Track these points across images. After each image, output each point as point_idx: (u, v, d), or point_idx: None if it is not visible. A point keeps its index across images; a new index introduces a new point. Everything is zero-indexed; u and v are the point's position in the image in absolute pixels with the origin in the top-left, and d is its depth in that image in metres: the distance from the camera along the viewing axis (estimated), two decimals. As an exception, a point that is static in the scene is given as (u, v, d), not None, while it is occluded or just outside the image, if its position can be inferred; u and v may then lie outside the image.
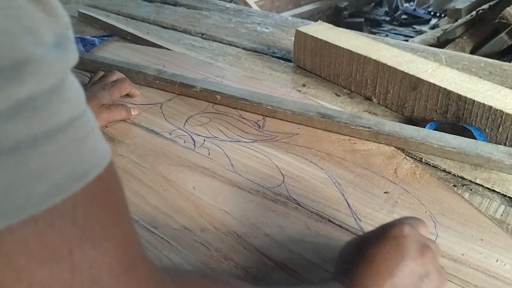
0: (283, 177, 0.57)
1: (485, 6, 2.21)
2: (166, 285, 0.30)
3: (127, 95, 0.75)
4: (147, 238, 0.48)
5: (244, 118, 0.71)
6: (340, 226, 0.49)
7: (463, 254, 0.46)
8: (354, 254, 0.40)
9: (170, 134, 0.67)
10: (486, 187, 0.56)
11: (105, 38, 1.05)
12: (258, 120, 0.70)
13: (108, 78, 0.75)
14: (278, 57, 1.01)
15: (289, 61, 0.98)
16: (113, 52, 0.98)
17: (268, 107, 0.70)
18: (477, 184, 0.57)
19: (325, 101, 0.79)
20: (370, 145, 0.63)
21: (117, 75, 0.76)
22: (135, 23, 1.25)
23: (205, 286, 0.34)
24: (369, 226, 0.49)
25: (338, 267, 0.42)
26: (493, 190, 0.56)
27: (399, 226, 0.40)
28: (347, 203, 0.53)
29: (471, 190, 0.56)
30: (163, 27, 1.23)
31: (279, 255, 0.46)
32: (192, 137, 0.66)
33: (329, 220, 0.50)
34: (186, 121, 0.70)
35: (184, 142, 0.64)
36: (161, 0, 1.49)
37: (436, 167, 0.59)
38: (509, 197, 0.55)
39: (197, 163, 0.60)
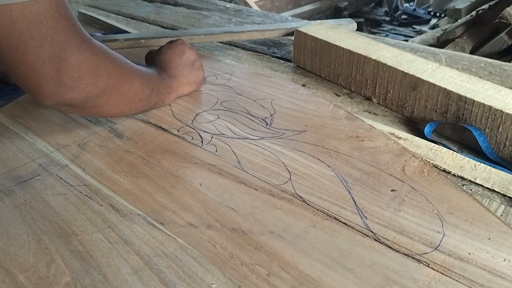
0: (290, 175, 0.54)
1: (485, 6, 2.16)
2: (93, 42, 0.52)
3: None
4: (154, 234, 0.45)
5: (252, 115, 0.68)
6: (346, 224, 0.46)
7: (470, 253, 0.42)
8: (154, 56, 0.71)
9: (178, 131, 0.64)
10: (486, 187, 0.53)
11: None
12: (266, 117, 0.67)
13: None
14: (278, 57, 0.97)
15: (289, 61, 0.94)
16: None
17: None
18: (477, 184, 0.53)
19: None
20: (378, 142, 0.60)
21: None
22: (135, 23, 1.22)
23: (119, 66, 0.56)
24: (375, 224, 0.46)
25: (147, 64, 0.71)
26: (493, 190, 0.52)
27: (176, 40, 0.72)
28: (354, 201, 0.49)
29: (471, 190, 0.53)
30: (163, 27, 1.20)
31: (284, 253, 0.43)
32: (199, 134, 0.63)
33: (335, 218, 0.47)
34: (194, 118, 0.67)
35: (192, 139, 0.62)
36: (161, 0, 1.46)
37: (436, 167, 0.56)
38: (509, 197, 0.51)
39: (204, 160, 0.57)
